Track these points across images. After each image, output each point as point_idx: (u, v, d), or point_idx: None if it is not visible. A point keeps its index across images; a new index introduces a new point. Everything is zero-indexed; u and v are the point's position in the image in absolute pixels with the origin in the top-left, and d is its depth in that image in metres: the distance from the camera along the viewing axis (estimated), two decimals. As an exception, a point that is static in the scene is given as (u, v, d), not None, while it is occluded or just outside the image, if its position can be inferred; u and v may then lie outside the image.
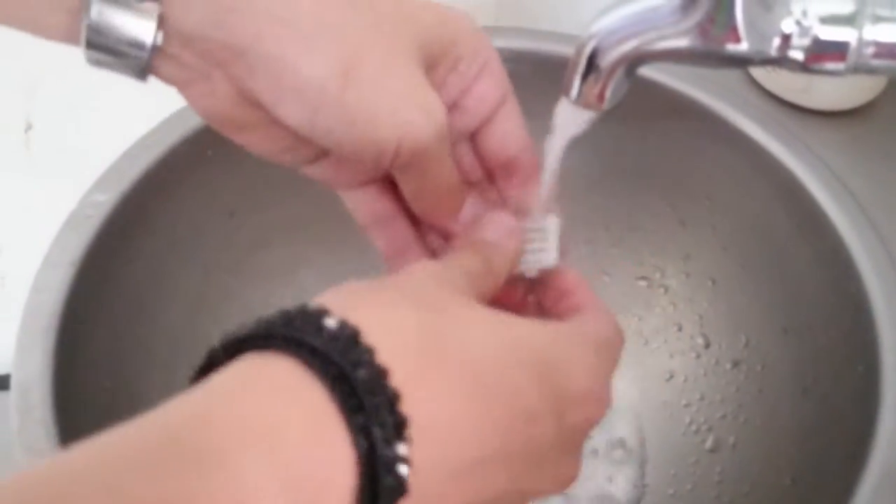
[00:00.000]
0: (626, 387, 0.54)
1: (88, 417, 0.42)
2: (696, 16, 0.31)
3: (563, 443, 0.28)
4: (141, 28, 0.29)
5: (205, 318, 0.50)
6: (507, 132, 0.34)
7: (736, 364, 0.52)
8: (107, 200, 0.46)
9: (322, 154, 0.34)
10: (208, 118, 0.32)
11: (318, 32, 0.29)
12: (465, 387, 0.25)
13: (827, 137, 0.52)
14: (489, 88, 0.33)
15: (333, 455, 0.23)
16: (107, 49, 0.29)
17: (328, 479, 0.22)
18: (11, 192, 0.58)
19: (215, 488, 0.21)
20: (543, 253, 0.35)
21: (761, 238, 0.51)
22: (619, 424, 0.53)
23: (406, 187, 0.33)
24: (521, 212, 0.35)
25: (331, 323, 0.24)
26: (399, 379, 0.24)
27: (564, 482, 0.30)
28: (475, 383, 0.25)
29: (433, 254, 0.36)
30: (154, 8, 0.28)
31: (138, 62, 0.29)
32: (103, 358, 0.45)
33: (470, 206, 0.35)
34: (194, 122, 0.48)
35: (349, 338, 0.24)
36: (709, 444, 0.51)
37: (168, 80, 0.31)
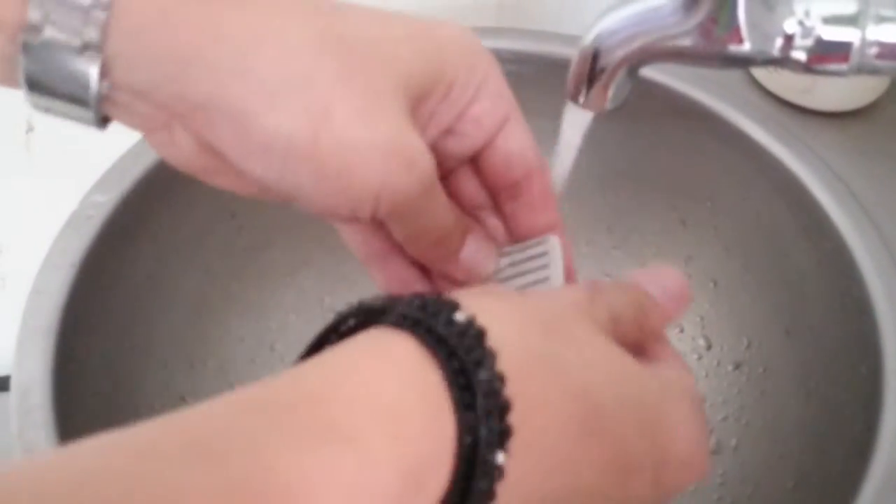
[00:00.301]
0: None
1: (89, 419, 0.42)
2: (699, 16, 0.30)
3: (652, 502, 0.27)
4: (83, 75, 0.26)
5: (205, 319, 0.49)
6: (511, 153, 0.32)
7: (738, 366, 0.51)
8: (107, 201, 0.46)
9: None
10: (172, 164, 0.30)
11: (284, 84, 0.26)
12: (574, 418, 0.25)
13: (829, 138, 0.52)
14: (487, 110, 0.31)
15: (442, 448, 0.23)
16: (49, 107, 0.27)
17: (435, 470, 0.22)
18: (12, 194, 0.57)
19: (346, 470, 0.21)
20: (547, 282, 0.32)
21: (763, 240, 0.51)
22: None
23: (396, 233, 0.31)
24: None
25: (460, 317, 0.24)
26: (513, 391, 0.23)
27: None
28: (585, 418, 0.25)
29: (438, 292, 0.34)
30: (95, 64, 0.26)
31: (86, 112, 0.27)
32: (104, 360, 0.45)
33: (472, 244, 0.33)
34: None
35: (475, 336, 0.24)
36: (710, 446, 0.50)
37: (128, 126, 0.29)
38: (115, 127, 0.50)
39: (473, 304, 0.25)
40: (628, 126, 0.51)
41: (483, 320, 0.24)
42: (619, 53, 0.32)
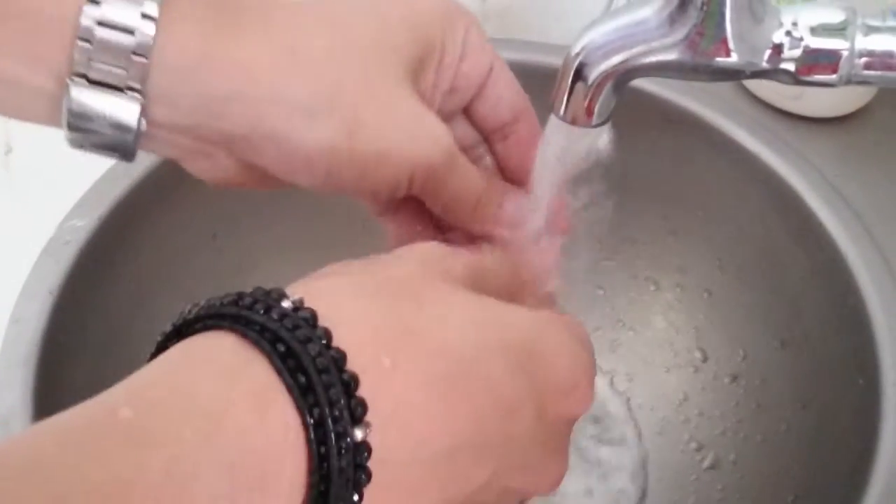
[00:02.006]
0: (623, 402, 0.53)
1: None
2: (685, 29, 0.30)
3: (545, 439, 0.27)
4: (125, 113, 0.28)
5: (189, 344, 0.49)
6: (500, 98, 0.34)
7: (734, 378, 0.51)
8: (85, 226, 0.45)
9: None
10: (216, 184, 0.32)
11: (316, 100, 0.29)
12: (436, 375, 0.24)
13: (820, 145, 0.51)
14: (473, 63, 0.33)
15: (280, 435, 0.22)
16: (90, 134, 0.28)
17: (275, 459, 0.22)
18: (-8, 217, 0.57)
19: (153, 469, 0.20)
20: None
21: (756, 249, 0.50)
22: (616, 439, 0.52)
23: (434, 207, 0.33)
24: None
25: (286, 304, 0.23)
26: (359, 365, 0.23)
27: (552, 482, 0.29)
28: (448, 372, 0.25)
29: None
30: (136, 104, 0.27)
31: (124, 147, 0.28)
32: (85, 388, 0.44)
33: (512, 208, 0.34)
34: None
35: (303, 319, 0.23)
36: (709, 460, 0.50)
37: (163, 155, 0.31)
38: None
39: (304, 290, 0.24)
40: (617, 135, 0.50)
41: (315, 303, 0.24)
42: (605, 67, 0.31)
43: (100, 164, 0.48)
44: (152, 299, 0.48)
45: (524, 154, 0.34)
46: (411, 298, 0.26)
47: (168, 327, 0.25)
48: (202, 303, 0.24)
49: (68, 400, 0.43)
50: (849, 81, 0.30)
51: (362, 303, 0.25)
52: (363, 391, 0.23)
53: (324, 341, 0.23)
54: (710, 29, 0.30)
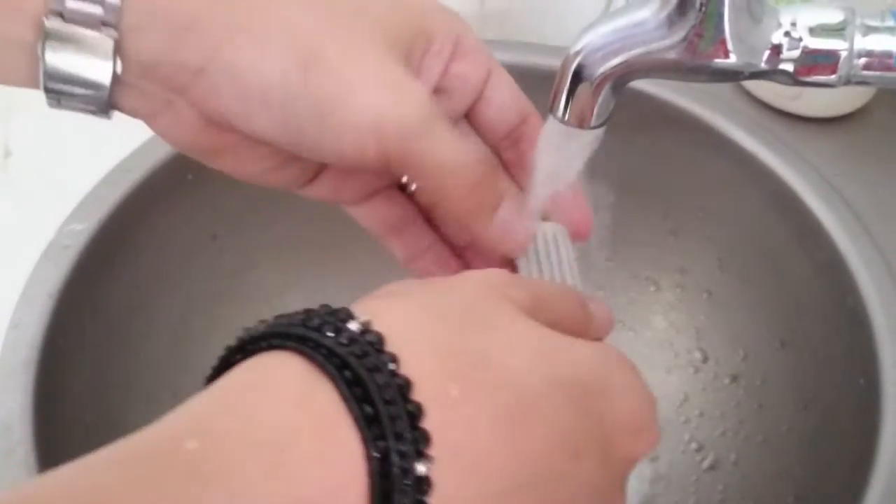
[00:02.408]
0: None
1: (72, 455, 0.41)
2: (683, 30, 0.30)
3: (608, 481, 0.26)
4: (98, 64, 0.28)
5: (189, 346, 0.48)
6: (503, 101, 0.33)
7: (734, 379, 0.51)
8: (85, 229, 0.45)
9: (315, 171, 0.32)
10: (180, 147, 0.31)
11: (272, 32, 0.28)
12: (502, 410, 0.23)
13: (819, 145, 0.51)
14: (470, 65, 0.32)
15: (344, 467, 0.21)
16: (65, 91, 0.29)
17: (337, 492, 0.21)
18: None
19: (217, 502, 0.20)
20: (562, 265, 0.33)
21: (756, 249, 0.50)
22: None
23: (423, 194, 0.31)
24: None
25: (353, 326, 0.23)
26: (424, 394, 0.22)
27: None
28: (514, 407, 0.23)
29: (458, 252, 0.34)
30: (110, 38, 0.28)
31: (99, 98, 0.29)
32: (86, 392, 0.44)
33: (508, 206, 0.31)
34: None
35: (370, 343, 0.22)
36: (710, 461, 0.50)
37: (133, 113, 0.30)
38: (94, 150, 0.49)
39: (369, 310, 0.23)
40: (617, 136, 0.50)
41: (381, 325, 0.23)
42: (603, 69, 0.31)
43: (99, 168, 0.48)
44: (152, 302, 0.48)
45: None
46: (478, 323, 0.25)
47: (234, 341, 0.24)
48: (270, 320, 0.23)
49: (69, 405, 0.43)
50: (848, 82, 0.30)
51: (428, 325, 0.24)
52: (428, 422, 0.22)
53: (391, 367, 0.22)
54: (708, 30, 0.30)
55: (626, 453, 0.26)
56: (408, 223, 0.34)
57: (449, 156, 0.29)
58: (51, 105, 0.29)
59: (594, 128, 0.33)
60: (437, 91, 0.32)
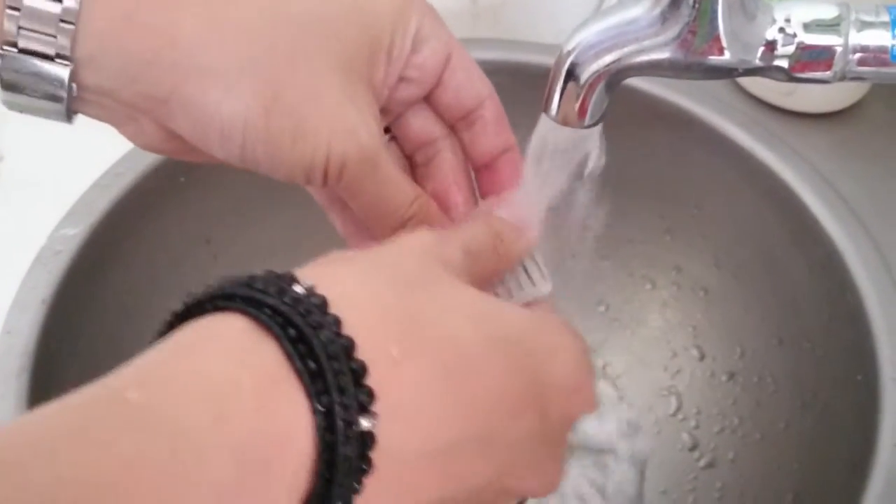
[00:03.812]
0: (620, 401, 0.53)
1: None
2: (677, 27, 0.30)
3: (546, 440, 0.27)
4: (53, 88, 0.29)
5: (184, 351, 0.48)
6: (460, 86, 0.33)
7: (732, 376, 0.51)
8: (77, 234, 0.45)
9: None
10: (148, 150, 0.32)
11: (236, 71, 0.29)
12: (444, 368, 0.24)
13: (814, 140, 0.51)
14: (427, 55, 0.32)
15: (288, 420, 0.22)
16: (25, 96, 0.29)
17: (282, 444, 0.22)
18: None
19: (158, 453, 0.20)
20: (535, 286, 0.33)
21: (752, 246, 0.50)
22: (614, 439, 0.52)
23: (356, 210, 0.32)
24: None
25: (297, 289, 0.23)
26: (367, 354, 0.23)
27: (550, 484, 0.28)
28: (455, 366, 0.25)
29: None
30: (65, 69, 0.28)
31: (58, 111, 0.29)
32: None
33: None
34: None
35: (314, 304, 0.23)
36: (707, 459, 0.50)
37: (96, 119, 0.31)
38: (85, 154, 0.49)
39: (314, 275, 0.24)
40: (611, 133, 0.50)
41: (324, 289, 0.23)
42: (597, 67, 0.31)
43: (91, 173, 0.47)
44: (146, 307, 0.47)
45: (491, 139, 0.34)
46: (417, 286, 0.26)
47: (179, 307, 0.24)
48: (213, 284, 0.24)
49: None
50: (843, 78, 0.30)
51: (370, 290, 0.25)
52: (371, 380, 0.23)
53: (334, 328, 0.23)
54: (702, 27, 0.29)
55: (562, 412, 0.27)
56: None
57: (382, 193, 0.31)
58: (11, 108, 0.30)
59: (588, 126, 0.33)
60: (399, 81, 0.33)
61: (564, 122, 0.33)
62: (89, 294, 0.45)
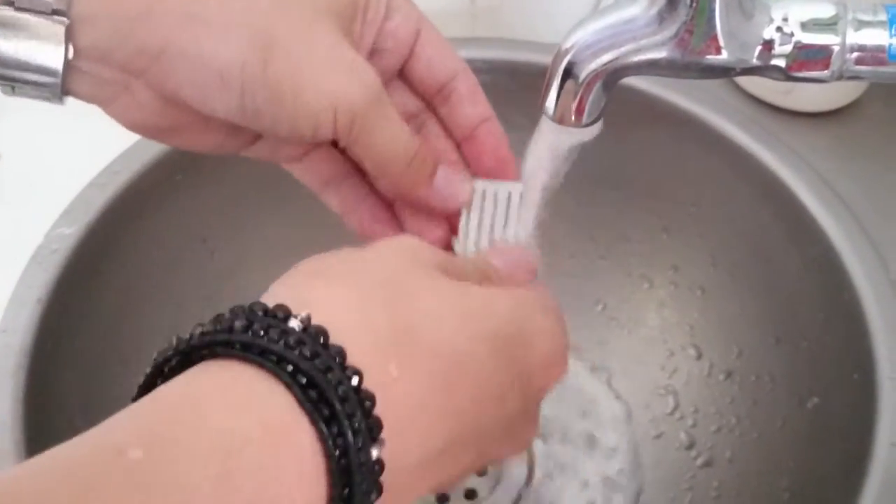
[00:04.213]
0: (617, 400, 0.53)
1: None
2: (674, 26, 0.30)
3: (527, 411, 0.29)
4: (50, 50, 0.29)
5: (180, 350, 0.48)
6: (431, 58, 0.34)
7: (729, 375, 0.51)
8: (73, 233, 0.45)
9: (256, 135, 0.33)
10: (137, 130, 0.32)
11: (229, 18, 0.29)
12: (435, 374, 0.25)
13: (811, 139, 0.51)
14: (399, 23, 0.33)
15: (297, 468, 0.22)
16: (18, 77, 0.29)
17: (291, 495, 0.21)
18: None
19: None
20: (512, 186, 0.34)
21: (749, 245, 0.50)
22: (612, 438, 0.51)
23: (364, 162, 0.32)
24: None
25: (295, 325, 0.23)
26: (372, 379, 0.23)
27: (524, 443, 0.30)
28: (445, 370, 0.25)
29: (389, 205, 0.35)
30: (61, 25, 0.28)
31: (53, 84, 0.29)
32: (75, 398, 0.44)
33: (444, 171, 0.34)
34: (161, 146, 0.47)
35: (316, 340, 0.23)
36: (704, 458, 0.50)
37: (88, 98, 0.31)
38: (82, 153, 0.49)
39: (304, 299, 0.24)
40: (608, 132, 0.50)
41: (320, 315, 0.23)
42: (594, 66, 0.31)
43: (87, 172, 0.47)
44: (142, 306, 0.47)
45: (467, 109, 0.34)
46: (402, 295, 0.26)
47: (169, 350, 0.24)
48: (207, 326, 0.23)
49: (58, 410, 0.42)
50: (840, 77, 0.30)
51: (361, 308, 0.25)
52: (378, 407, 0.23)
53: (341, 363, 0.23)
54: (699, 26, 0.29)
55: (540, 385, 0.29)
56: (343, 177, 0.35)
57: (392, 135, 0.31)
58: (5, 92, 0.30)
59: (585, 125, 0.33)
60: (374, 52, 0.33)
61: (562, 121, 0.33)
62: (85, 293, 0.45)
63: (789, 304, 0.48)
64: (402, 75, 0.35)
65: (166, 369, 0.24)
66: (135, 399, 0.23)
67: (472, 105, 0.34)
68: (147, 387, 0.24)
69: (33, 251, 0.44)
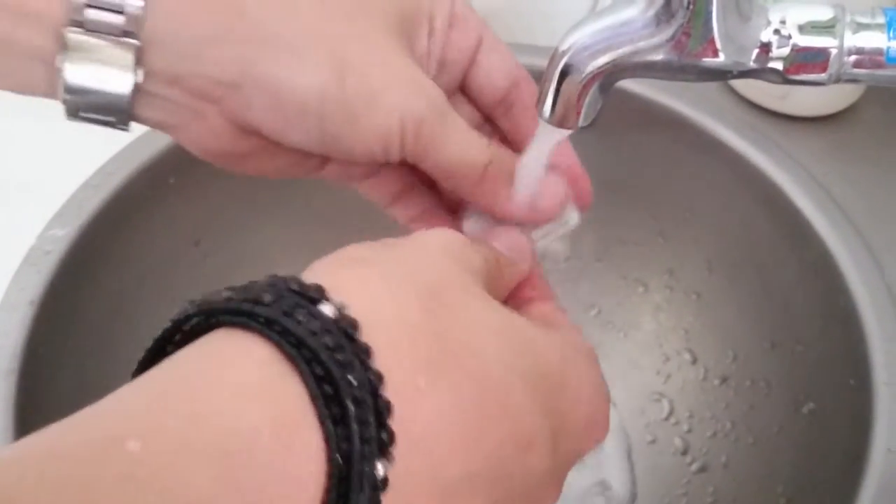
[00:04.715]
0: (612, 405, 0.52)
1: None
2: (671, 29, 0.29)
3: (554, 473, 0.26)
4: (118, 76, 0.28)
5: (173, 353, 0.48)
6: (493, 67, 0.33)
7: (724, 380, 0.50)
8: (66, 235, 0.44)
9: (326, 159, 0.32)
10: (208, 157, 0.31)
11: (302, 43, 0.28)
12: (467, 400, 0.23)
13: (807, 144, 0.51)
14: (461, 32, 0.32)
15: (301, 467, 0.20)
16: (83, 103, 0.28)
17: (292, 496, 0.20)
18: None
19: None
20: (563, 215, 0.34)
21: (745, 249, 0.50)
22: (606, 443, 0.51)
23: (436, 176, 0.31)
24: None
25: (327, 310, 0.21)
26: (394, 385, 0.21)
27: None
28: (474, 397, 0.23)
29: (454, 209, 0.35)
30: (131, 48, 0.27)
31: (119, 109, 0.28)
32: (68, 400, 0.43)
33: (527, 184, 0.32)
34: (154, 148, 0.47)
35: (344, 331, 0.21)
36: (700, 463, 0.49)
37: (156, 124, 0.30)
38: (75, 155, 0.48)
39: (345, 284, 0.22)
40: (604, 136, 0.50)
41: (354, 306, 0.22)
42: (591, 69, 0.31)
43: (80, 173, 0.47)
44: (135, 308, 0.47)
45: (531, 121, 0.33)
46: (444, 301, 0.24)
47: (191, 309, 0.22)
48: (236, 291, 0.22)
49: (50, 413, 0.42)
50: (838, 80, 0.30)
51: (399, 305, 0.23)
52: (394, 417, 0.21)
53: (364, 362, 0.21)
54: (696, 29, 0.29)
55: (574, 447, 0.26)
56: (409, 190, 0.34)
57: (461, 146, 0.31)
58: (69, 118, 0.29)
59: (582, 128, 0.33)
60: (441, 64, 0.33)
61: (558, 124, 0.32)
62: (78, 295, 0.45)
63: (785, 309, 0.48)
64: (462, 87, 0.34)
65: (185, 328, 0.22)
66: (140, 362, 0.22)
67: (535, 116, 0.32)
68: (154, 355, 0.22)
69: (26, 253, 0.44)
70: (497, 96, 0.33)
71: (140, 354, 0.46)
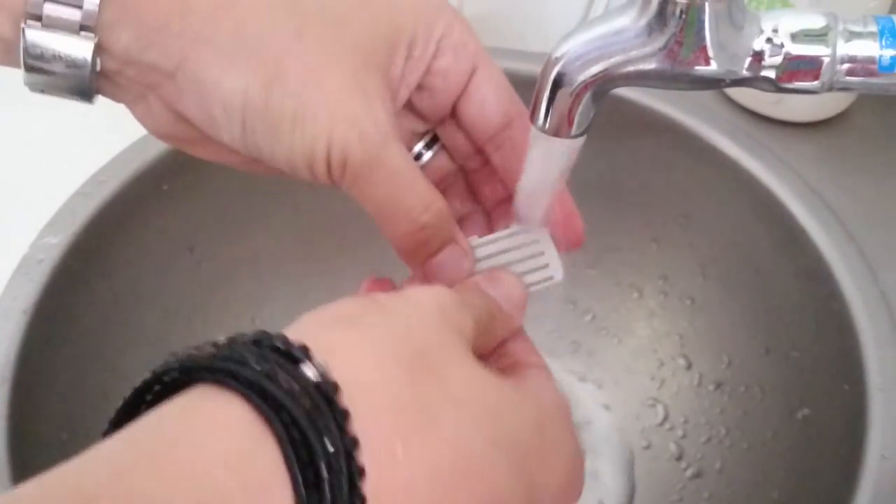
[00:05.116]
0: (607, 412, 0.52)
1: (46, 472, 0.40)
2: (664, 38, 0.29)
3: None
4: (79, 49, 0.28)
5: (167, 361, 0.48)
6: (485, 100, 0.32)
7: (719, 385, 0.50)
8: (59, 243, 0.44)
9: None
10: (156, 136, 0.32)
11: (238, 47, 0.28)
12: (443, 470, 0.23)
13: (801, 149, 0.51)
14: (450, 62, 0.31)
15: None
16: (47, 75, 0.29)
17: None
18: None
19: None
20: (547, 269, 0.33)
21: (739, 255, 0.50)
22: (602, 449, 0.51)
23: (365, 207, 0.30)
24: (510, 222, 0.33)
25: (309, 372, 0.21)
26: (371, 450, 0.21)
27: None
28: (453, 470, 0.23)
29: (489, 217, 0.34)
30: (89, 41, 0.28)
31: (81, 83, 0.29)
32: (61, 409, 0.43)
33: (448, 254, 0.31)
34: (147, 156, 0.47)
35: (324, 394, 0.21)
36: (694, 469, 0.49)
37: (113, 98, 0.31)
38: (67, 162, 0.48)
39: (322, 345, 0.22)
40: (598, 142, 0.50)
41: (337, 368, 0.22)
42: (583, 77, 0.31)
43: (73, 181, 0.47)
44: (129, 316, 0.47)
45: (521, 163, 0.32)
46: (429, 369, 0.24)
47: (173, 362, 0.22)
48: (220, 346, 0.22)
49: (44, 422, 0.42)
50: (831, 88, 0.30)
51: (382, 370, 0.23)
52: (367, 482, 0.21)
53: (341, 427, 0.21)
54: (689, 37, 0.29)
55: None
56: (445, 192, 0.33)
57: (397, 189, 0.29)
58: (31, 87, 0.29)
59: (575, 136, 0.33)
60: (420, 89, 0.32)
61: (551, 133, 0.32)
62: (71, 303, 0.45)
63: (779, 315, 0.48)
64: (454, 115, 0.33)
65: (165, 380, 0.22)
66: (116, 416, 0.23)
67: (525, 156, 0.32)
68: (132, 404, 0.23)
69: (19, 261, 0.44)
70: (489, 132, 0.33)
71: (133, 363, 0.46)
